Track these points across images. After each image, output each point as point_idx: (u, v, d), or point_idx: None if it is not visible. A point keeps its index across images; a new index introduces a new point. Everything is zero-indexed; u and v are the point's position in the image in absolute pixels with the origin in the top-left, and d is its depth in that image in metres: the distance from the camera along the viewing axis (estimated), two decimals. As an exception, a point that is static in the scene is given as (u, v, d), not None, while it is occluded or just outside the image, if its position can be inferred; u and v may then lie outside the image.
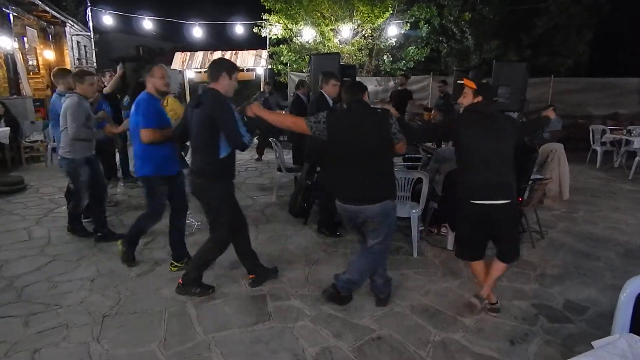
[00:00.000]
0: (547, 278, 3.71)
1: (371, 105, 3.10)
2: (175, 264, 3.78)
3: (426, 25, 12.91)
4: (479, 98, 3.00)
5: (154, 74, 3.44)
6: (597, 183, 7.15)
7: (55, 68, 5.06)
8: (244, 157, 8.80)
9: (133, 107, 3.46)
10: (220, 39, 19.83)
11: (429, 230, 4.64)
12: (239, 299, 3.31)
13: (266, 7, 12.77)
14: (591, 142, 8.66)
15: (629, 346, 1.42)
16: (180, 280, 3.34)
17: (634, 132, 7.98)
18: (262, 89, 8.13)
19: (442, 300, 3.30)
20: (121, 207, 5.64)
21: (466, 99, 3.05)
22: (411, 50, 13.08)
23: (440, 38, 14.22)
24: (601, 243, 4.48)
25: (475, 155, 2.88)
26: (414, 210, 4.10)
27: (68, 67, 12.00)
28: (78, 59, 15.17)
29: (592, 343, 1.54)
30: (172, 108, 5.07)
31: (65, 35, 14.03)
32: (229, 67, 3.10)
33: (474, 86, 3.01)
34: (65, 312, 3.10)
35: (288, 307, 3.19)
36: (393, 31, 12.89)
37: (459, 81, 5.98)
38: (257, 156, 9.05)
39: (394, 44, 13.36)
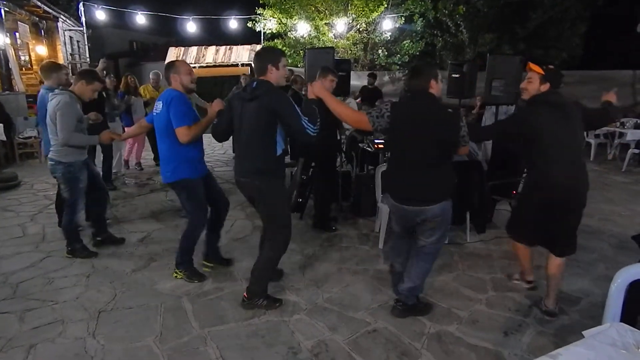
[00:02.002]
0: (541, 270, 3.72)
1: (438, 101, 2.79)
2: (208, 264, 3.69)
3: (421, 19, 12.91)
4: (547, 85, 2.83)
5: (180, 70, 3.20)
6: (591, 175, 7.06)
7: (45, 61, 4.61)
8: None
9: (160, 107, 3.19)
10: (214, 34, 19.74)
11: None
12: (235, 293, 3.31)
13: (260, 2, 12.73)
14: (585, 135, 8.70)
15: (619, 335, 1.44)
16: (245, 295, 3.10)
17: (627, 124, 8.03)
18: (240, 82, 7.91)
19: (437, 293, 3.32)
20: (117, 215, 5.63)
21: (532, 86, 2.86)
22: (406, 44, 13.08)
23: (435, 32, 14.24)
24: (595, 235, 4.52)
25: (552, 148, 2.78)
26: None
27: (61, 62, 11.89)
28: (71, 54, 15.05)
29: (583, 332, 1.56)
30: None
31: (58, 31, 13.91)
32: (273, 58, 2.85)
33: (541, 71, 2.81)
34: (61, 308, 3.10)
35: (284, 301, 3.19)
36: (388, 25, 12.88)
37: (453, 75, 5.97)
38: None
39: (389, 38, 13.36)
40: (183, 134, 3.10)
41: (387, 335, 2.79)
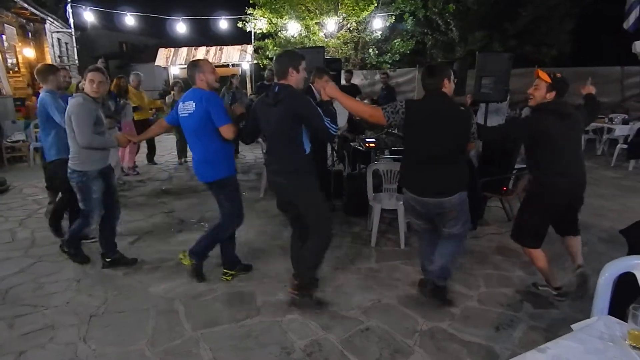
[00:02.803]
0: (531, 265, 3.75)
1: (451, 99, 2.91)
2: (229, 272, 3.55)
3: (411, 17, 12.92)
4: (552, 94, 2.91)
5: (204, 68, 3.18)
6: (580, 171, 7.26)
7: (41, 64, 4.37)
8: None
9: (193, 107, 3.13)
10: (204, 35, 19.66)
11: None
12: (227, 294, 3.30)
13: (250, 2, 12.68)
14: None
15: (606, 327, 1.46)
16: (293, 290, 3.15)
17: (616, 120, 8.12)
18: (231, 83, 7.90)
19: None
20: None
21: (538, 93, 2.94)
22: (397, 43, 13.09)
23: (426, 30, 14.27)
24: (585, 229, 4.53)
25: (560, 157, 2.91)
26: (401, 202, 4.12)
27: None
28: (59, 56, 14.88)
29: (572, 326, 1.58)
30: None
31: (45, 33, 13.75)
32: (293, 61, 2.91)
33: (549, 80, 2.89)
34: (52, 313, 3.07)
35: (277, 302, 3.19)
36: (378, 24, 12.89)
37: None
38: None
39: (380, 37, 13.36)
40: (230, 130, 3.13)
41: (380, 333, 2.80)
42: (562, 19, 13.31)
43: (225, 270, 3.55)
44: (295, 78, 2.91)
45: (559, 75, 2.96)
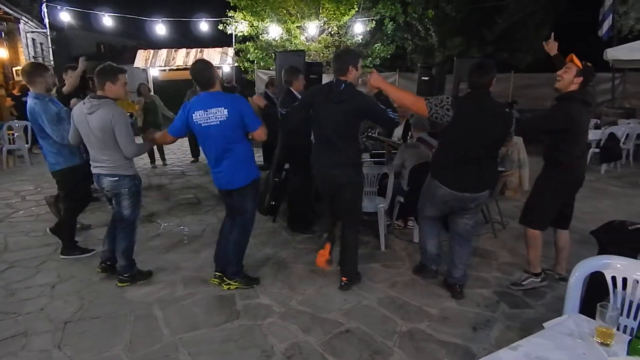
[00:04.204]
0: (508, 266, 3.86)
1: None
2: (229, 282, 3.37)
3: (391, 22, 13.09)
4: (580, 79, 3.00)
5: (216, 72, 3.11)
6: (555, 174, 7.45)
7: (27, 64, 3.93)
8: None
9: (225, 113, 2.94)
10: (185, 36, 19.48)
11: (396, 224, 4.73)
12: (207, 299, 3.28)
13: (231, 4, 12.62)
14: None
15: (576, 325, 1.51)
16: (344, 279, 3.38)
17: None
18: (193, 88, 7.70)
19: (409, 292, 3.38)
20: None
21: (567, 75, 3.03)
22: (377, 48, 13.23)
23: (406, 35, 14.48)
24: (558, 231, 4.68)
25: (580, 144, 3.13)
26: (381, 205, 4.17)
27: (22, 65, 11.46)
28: (34, 57, 14.50)
29: (544, 324, 1.63)
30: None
31: (20, 32, 13.40)
32: (354, 59, 3.09)
33: (580, 65, 2.99)
34: (25, 320, 2.99)
35: (257, 305, 3.18)
36: (359, 28, 13.02)
37: (422, 77, 6.10)
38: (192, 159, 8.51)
39: (360, 41, 13.48)
40: (263, 132, 3.12)
41: (360, 335, 2.82)
42: (538, 26, 13.69)
43: (226, 279, 3.39)
44: (353, 75, 3.08)
45: (589, 64, 3.07)
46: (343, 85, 3.02)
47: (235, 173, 3.12)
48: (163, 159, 8.26)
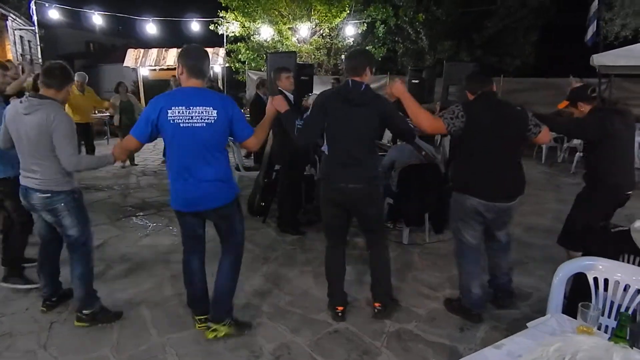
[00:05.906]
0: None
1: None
2: (215, 326, 2.72)
3: (382, 25, 13.19)
4: (588, 106, 3.06)
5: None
6: (542, 177, 7.57)
7: None
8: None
9: (214, 115, 2.46)
10: (175, 36, 19.34)
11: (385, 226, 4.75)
12: (195, 299, 3.26)
13: (223, 5, 12.60)
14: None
15: (558, 324, 1.54)
16: (376, 304, 3.04)
17: (575, 129, 8.48)
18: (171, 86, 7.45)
19: (397, 293, 3.39)
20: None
21: (577, 112, 3.14)
22: (368, 50, 13.32)
23: (397, 38, 14.61)
24: (546, 233, 4.74)
25: (623, 156, 3.08)
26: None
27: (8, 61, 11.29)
28: (22, 54, 14.37)
29: (527, 324, 1.66)
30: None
31: (7, 30, 13.25)
32: (371, 61, 2.82)
33: (578, 109, 3.10)
34: (9, 321, 2.95)
35: (246, 305, 3.18)
36: (350, 31, 13.10)
37: (413, 80, 6.16)
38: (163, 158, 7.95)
39: (352, 43, 13.56)
40: (258, 141, 2.69)
41: (348, 335, 2.84)
42: (527, 31, 13.90)
43: (210, 324, 2.75)
44: (369, 77, 2.79)
45: (576, 86, 3.22)
46: (364, 86, 2.70)
47: (219, 188, 2.55)
48: (131, 158, 7.85)
